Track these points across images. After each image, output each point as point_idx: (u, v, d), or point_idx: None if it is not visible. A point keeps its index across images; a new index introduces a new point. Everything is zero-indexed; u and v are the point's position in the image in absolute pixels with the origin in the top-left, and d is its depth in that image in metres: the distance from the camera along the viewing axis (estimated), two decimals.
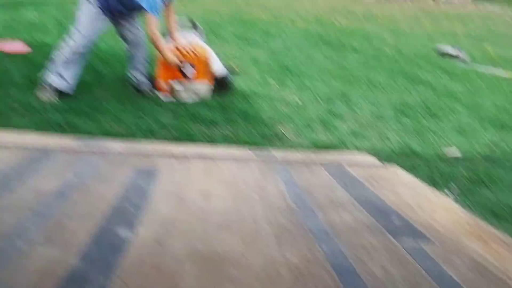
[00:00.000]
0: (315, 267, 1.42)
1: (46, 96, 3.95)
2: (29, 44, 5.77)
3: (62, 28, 5.97)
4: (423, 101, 5.11)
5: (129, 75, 4.43)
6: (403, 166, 3.10)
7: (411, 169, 3.16)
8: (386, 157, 3.38)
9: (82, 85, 4.27)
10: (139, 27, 4.34)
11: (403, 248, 1.58)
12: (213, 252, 1.48)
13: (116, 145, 2.77)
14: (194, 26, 5.22)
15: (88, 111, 3.78)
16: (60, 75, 3.98)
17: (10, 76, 4.46)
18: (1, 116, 3.57)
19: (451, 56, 8.05)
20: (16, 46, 5.71)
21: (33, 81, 4.20)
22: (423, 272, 1.42)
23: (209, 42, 4.99)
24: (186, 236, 1.58)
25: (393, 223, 1.80)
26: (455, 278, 1.40)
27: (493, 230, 1.83)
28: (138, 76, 4.39)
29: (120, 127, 3.59)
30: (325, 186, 2.22)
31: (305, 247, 1.54)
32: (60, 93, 4.00)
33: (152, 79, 4.47)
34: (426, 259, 1.50)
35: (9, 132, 3.00)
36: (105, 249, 1.46)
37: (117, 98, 4.17)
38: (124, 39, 4.37)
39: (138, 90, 4.38)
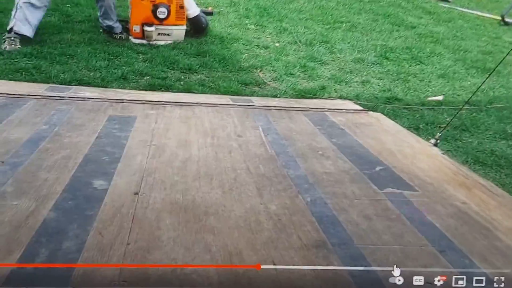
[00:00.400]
0: (296, 216, 1.40)
1: (11, 45, 3.76)
2: None
3: None
4: (405, 44, 5.04)
5: (100, 18, 4.24)
6: (385, 112, 3.10)
7: (394, 115, 3.14)
8: (368, 103, 3.34)
9: (50, 29, 4.07)
10: None
11: (386, 196, 1.57)
12: (192, 202, 1.45)
13: (88, 92, 2.68)
14: None
15: (58, 56, 3.61)
16: (27, 21, 3.78)
17: None
18: None
19: None
20: None
21: None
22: (406, 220, 1.41)
23: None
24: (164, 185, 1.54)
25: (376, 171, 1.78)
26: (437, 226, 1.39)
27: (476, 176, 1.84)
28: (110, 18, 4.21)
29: (92, 73, 3.45)
30: (307, 134, 2.18)
31: (286, 196, 1.52)
32: (24, 40, 3.81)
33: (125, 22, 4.30)
34: (409, 207, 1.49)
35: None
36: (80, 199, 1.42)
37: (88, 42, 3.98)
38: None
39: (110, 33, 4.21)
